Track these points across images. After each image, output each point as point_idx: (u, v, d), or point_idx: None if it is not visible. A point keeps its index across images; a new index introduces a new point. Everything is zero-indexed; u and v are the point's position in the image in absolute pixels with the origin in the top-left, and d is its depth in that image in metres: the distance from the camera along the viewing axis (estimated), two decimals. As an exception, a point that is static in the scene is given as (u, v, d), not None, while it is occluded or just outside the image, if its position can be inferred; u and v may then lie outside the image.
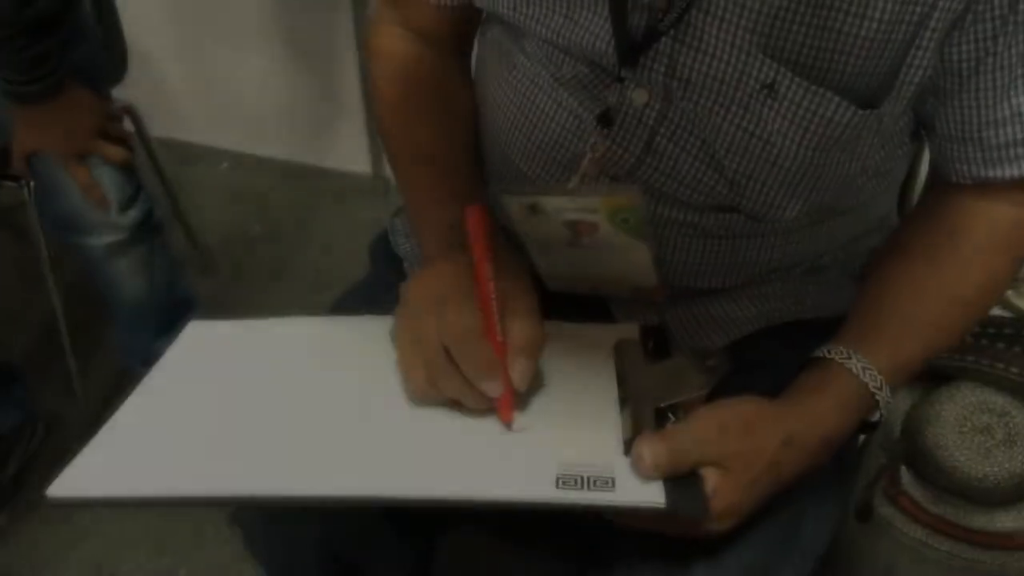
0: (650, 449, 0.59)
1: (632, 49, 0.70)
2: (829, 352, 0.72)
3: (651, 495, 0.58)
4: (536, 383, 0.70)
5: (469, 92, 0.90)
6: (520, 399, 0.67)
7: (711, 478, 0.61)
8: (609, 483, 0.59)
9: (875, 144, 0.72)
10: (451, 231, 0.75)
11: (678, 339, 0.81)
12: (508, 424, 0.65)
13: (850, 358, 0.70)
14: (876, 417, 0.72)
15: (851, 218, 0.83)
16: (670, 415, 0.66)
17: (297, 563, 0.81)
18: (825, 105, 0.66)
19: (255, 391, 0.71)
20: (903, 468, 1.46)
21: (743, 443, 0.63)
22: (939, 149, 0.74)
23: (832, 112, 0.67)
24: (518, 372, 0.65)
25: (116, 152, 1.36)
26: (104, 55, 1.44)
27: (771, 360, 0.77)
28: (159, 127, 2.28)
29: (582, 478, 0.59)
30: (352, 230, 2.22)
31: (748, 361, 0.77)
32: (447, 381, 0.65)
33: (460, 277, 0.68)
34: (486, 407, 0.65)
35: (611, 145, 0.75)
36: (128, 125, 1.64)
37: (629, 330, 0.77)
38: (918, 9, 0.63)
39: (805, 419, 0.67)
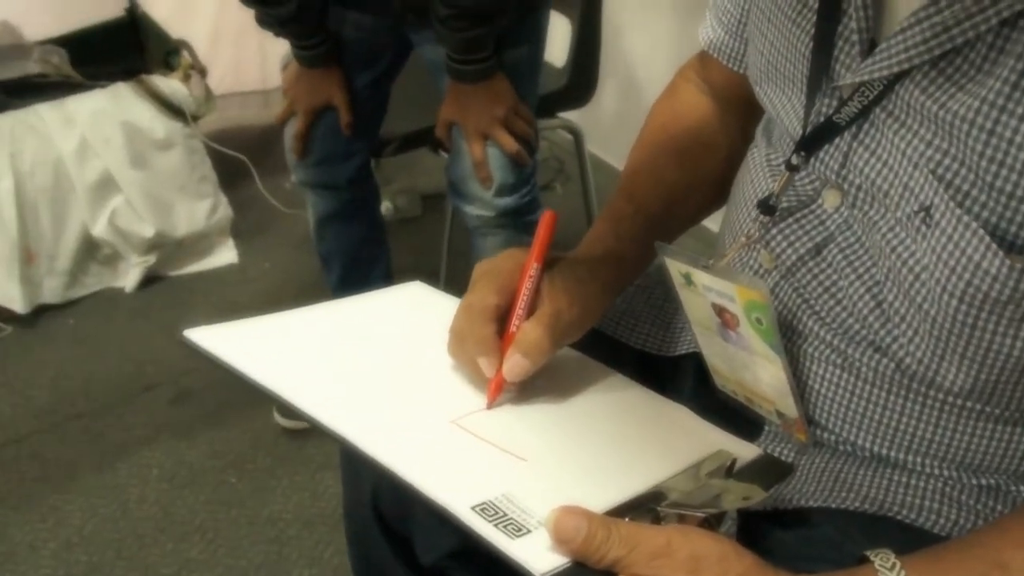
0: (566, 517, 0.53)
1: (811, 137, 0.66)
2: (876, 555, 0.58)
3: (536, 561, 0.53)
4: (603, 430, 0.70)
5: (727, 152, 0.88)
6: (574, 427, 0.69)
7: None
8: (520, 531, 0.55)
9: None
10: (585, 244, 0.79)
11: (792, 487, 0.72)
12: (489, 406, 0.68)
13: (892, 569, 0.57)
14: None
15: None
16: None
17: (358, 508, 0.87)
18: (975, 246, 0.56)
19: (389, 348, 0.77)
20: None
21: (676, 574, 0.53)
22: None
23: (981, 256, 0.56)
24: (509, 364, 0.66)
25: (511, 144, 1.51)
26: (536, 62, 1.59)
27: (841, 544, 0.66)
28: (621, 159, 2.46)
29: (503, 515, 0.56)
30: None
31: (821, 535, 0.68)
32: (458, 347, 0.69)
33: (516, 265, 0.70)
34: (482, 381, 0.68)
35: (776, 235, 0.70)
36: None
37: (749, 450, 0.70)
38: None
39: None
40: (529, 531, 0.55)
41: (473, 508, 0.56)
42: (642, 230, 0.80)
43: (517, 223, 1.62)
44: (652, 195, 0.84)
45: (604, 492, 0.60)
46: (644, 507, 0.60)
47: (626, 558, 0.53)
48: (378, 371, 0.73)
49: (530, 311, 0.69)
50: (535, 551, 0.54)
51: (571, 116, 2.03)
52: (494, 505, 0.57)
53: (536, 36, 1.57)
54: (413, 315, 0.84)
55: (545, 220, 0.72)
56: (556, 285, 0.70)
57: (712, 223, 0.92)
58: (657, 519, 0.60)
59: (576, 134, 1.97)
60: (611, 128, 2.52)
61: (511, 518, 0.56)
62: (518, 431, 0.68)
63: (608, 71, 2.03)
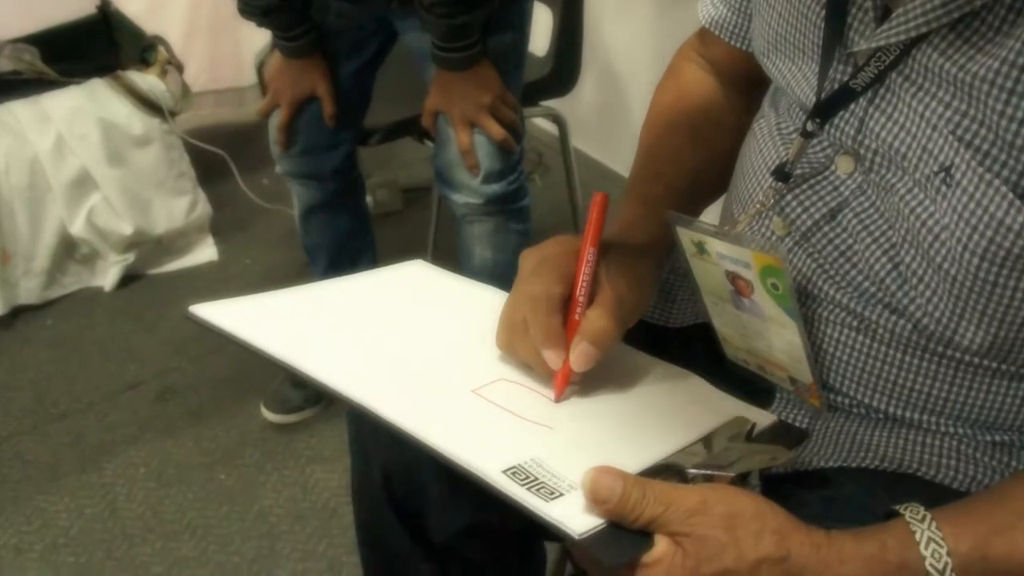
0: (601, 477, 0.53)
1: (826, 104, 0.66)
2: (906, 509, 0.59)
3: (572, 522, 0.53)
4: (620, 400, 0.70)
5: (735, 128, 0.88)
6: (592, 397, 0.69)
7: (659, 546, 0.53)
8: (553, 494, 0.55)
9: None
10: (621, 227, 0.79)
11: (810, 451, 0.73)
12: (557, 399, 0.67)
13: (923, 521, 0.57)
14: None
15: None
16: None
17: (368, 490, 0.86)
18: (997, 203, 0.57)
19: (400, 321, 0.76)
20: None
21: (714, 531, 0.53)
22: None
23: (1004, 213, 0.56)
24: (576, 353, 0.65)
25: (497, 131, 1.50)
26: (520, 49, 1.58)
27: (865, 503, 0.66)
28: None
29: (534, 478, 0.56)
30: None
31: (843, 495, 0.68)
32: (519, 342, 0.67)
33: (569, 252, 0.69)
34: (548, 375, 0.67)
35: (791, 201, 0.71)
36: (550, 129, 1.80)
37: (764, 417, 0.71)
38: None
39: (822, 551, 0.55)
40: (562, 494, 0.55)
41: (504, 472, 0.56)
42: (673, 209, 0.80)
43: (505, 210, 1.62)
44: (676, 174, 0.84)
45: (628, 458, 0.60)
46: (672, 470, 0.60)
47: (662, 516, 0.53)
48: (391, 343, 0.72)
49: (589, 298, 0.69)
50: (571, 513, 0.54)
51: (552, 107, 2.03)
52: (524, 469, 0.57)
53: (521, 23, 1.56)
54: (420, 291, 0.83)
55: (597, 202, 0.70)
56: (612, 270, 0.69)
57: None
58: (686, 481, 0.60)
59: (560, 122, 1.97)
60: (591, 120, 2.52)
61: (543, 482, 0.56)
62: (538, 401, 0.67)
63: (587, 63, 2.03)
